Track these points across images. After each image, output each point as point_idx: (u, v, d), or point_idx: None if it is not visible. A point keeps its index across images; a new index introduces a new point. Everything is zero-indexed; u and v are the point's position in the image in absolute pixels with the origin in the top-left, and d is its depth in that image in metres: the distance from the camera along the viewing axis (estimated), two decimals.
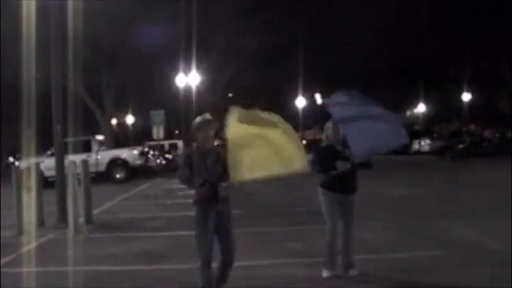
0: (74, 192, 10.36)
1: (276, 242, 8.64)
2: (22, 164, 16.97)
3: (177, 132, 44.84)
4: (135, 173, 23.16)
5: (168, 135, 37.17)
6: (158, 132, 27.31)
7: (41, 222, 10.99)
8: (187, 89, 29.64)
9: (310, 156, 6.15)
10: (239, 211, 8.84)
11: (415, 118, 52.96)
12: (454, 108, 48.27)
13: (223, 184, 5.22)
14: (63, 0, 13.03)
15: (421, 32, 32.37)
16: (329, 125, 6.52)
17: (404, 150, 36.26)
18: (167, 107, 29.77)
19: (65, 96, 14.52)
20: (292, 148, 5.25)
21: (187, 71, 28.81)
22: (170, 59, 27.59)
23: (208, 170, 5.19)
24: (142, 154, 24.02)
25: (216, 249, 5.42)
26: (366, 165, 6.52)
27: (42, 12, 11.96)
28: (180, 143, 32.22)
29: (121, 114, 43.19)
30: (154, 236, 9.67)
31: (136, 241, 9.22)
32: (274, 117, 5.38)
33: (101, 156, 22.65)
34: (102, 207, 13.80)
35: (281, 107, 49.82)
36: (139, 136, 37.98)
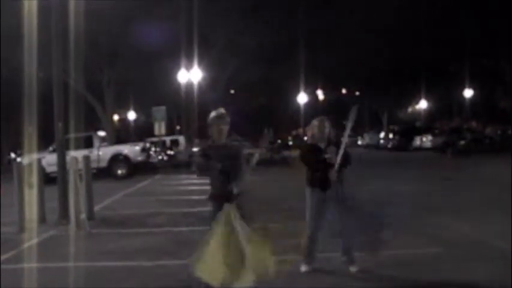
0: (76, 188, 10.38)
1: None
2: (24, 160, 17.01)
3: (178, 128, 44.91)
4: (137, 169, 23.18)
5: (170, 131, 37.21)
6: (160, 128, 27.38)
7: (42, 219, 11.02)
8: (189, 85, 29.66)
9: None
10: None
11: (417, 114, 52.94)
12: (456, 105, 48.28)
13: (237, 179, 5.23)
14: None
15: (422, 31, 32.33)
16: (315, 122, 6.55)
17: (406, 146, 36.42)
18: (169, 103, 29.83)
19: (67, 93, 14.49)
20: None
21: (189, 67, 28.83)
22: (171, 56, 27.59)
23: (222, 165, 5.20)
24: (144, 150, 24.05)
25: None
26: (343, 164, 6.46)
27: (44, 10, 11.97)
28: (181, 139, 32.25)
29: (123, 110, 43.24)
30: (155, 232, 9.69)
31: (137, 237, 9.25)
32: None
33: (103, 152, 22.67)
34: (103, 203, 13.82)
35: (282, 103, 50.17)
36: (140, 132, 38.00)
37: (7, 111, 29.47)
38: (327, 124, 6.50)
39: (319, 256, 6.64)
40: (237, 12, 27.27)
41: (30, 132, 16.48)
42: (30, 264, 7.49)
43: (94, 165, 17.78)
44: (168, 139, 31.43)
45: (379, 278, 6.30)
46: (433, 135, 36.55)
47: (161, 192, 16.32)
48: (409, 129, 40.17)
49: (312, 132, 6.59)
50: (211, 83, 33.47)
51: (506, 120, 37.50)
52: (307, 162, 6.50)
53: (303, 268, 6.51)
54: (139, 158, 23.39)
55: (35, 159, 12.67)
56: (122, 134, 34.59)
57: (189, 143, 29.12)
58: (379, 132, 44.90)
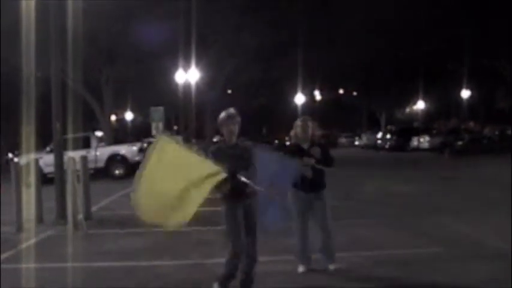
0: (73, 189, 10.36)
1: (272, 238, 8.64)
2: (21, 160, 16.97)
3: (175, 128, 44.87)
4: (134, 169, 22.96)
5: (167, 131, 37.15)
6: (157, 128, 27.31)
7: (40, 219, 10.99)
8: (187, 86, 29.61)
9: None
10: None
11: (415, 115, 52.98)
12: (453, 105, 48.30)
13: (248, 178, 5.19)
14: None
15: (421, 31, 32.33)
16: (298, 122, 6.53)
17: (403, 147, 36.44)
18: (166, 103, 29.75)
19: (64, 93, 14.47)
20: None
21: (186, 67, 28.78)
22: (169, 56, 27.54)
23: (234, 164, 5.16)
24: (142, 150, 23.98)
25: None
26: (325, 162, 6.44)
27: (42, 9, 11.94)
28: (179, 139, 32.15)
29: (120, 110, 43.20)
30: (153, 232, 9.64)
31: (135, 237, 9.22)
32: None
33: (100, 153, 22.63)
34: (101, 203, 13.80)
35: (280, 103, 50.16)
36: (138, 132, 37.95)
37: (6, 111, 29.41)
38: (310, 124, 6.46)
39: (318, 256, 6.63)
40: (235, 11, 27.23)
41: (28, 132, 16.43)
42: (29, 264, 7.47)
43: (91, 165, 17.73)
44: None
45: (379, 278, 6.28)
46: (431, 135, 36.58)
47: None
48: (406, 130, 40.16)
49: (295, 132, 6.55)
50: (209, 83, 33.43)
51: (504, 120, 37.54)
52: None
53: (300, 269, 6.50)
54: (137, 158, 23.29)
55: (32, 159, 12.62)
56: (119, 134, 34.55)
57: (187, 143, 29.08)
58: (376, 132, 44.92)
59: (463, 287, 5.94)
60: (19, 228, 10.18)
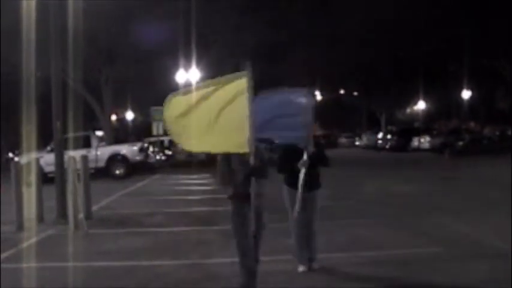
0: (74, 188, 10.37)
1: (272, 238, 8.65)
2: (22, 159, 16.97)
3: None
4: (135, 169, 23.15)
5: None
6: (158, 128, 27.33)
7: (40, 218, 11.00)
8: (187, 85, 29.57)
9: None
10: None
11: (415, 115, 52.95)
12: (454, 106, 48.27)
13: (258, 179, 5.22)
14: None
15: (421, 31, 32.33)
16: None
17: (404, 147, 36.43)
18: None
19: (65, 92, 14.47)
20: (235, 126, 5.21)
21: (187, 67, 28.78)
22: (170, 55, 27.55)
23: (244, 166, 5.20)
24: (142, 150, 24.02)
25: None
26: (320, 160, 6.48)
27: (42, 9, 11.95)
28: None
29: (121, 110, 43.16)
30: (153, 232, 9.68)
31: (135, 237, 9.23)
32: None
33: (101, 152, 22.64)
34: (101, 203, 13.80)
35: None
36: (139, 132, 37.93)
37: (6, 110, 29.42)
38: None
39: (318, 257, 6.64)
40: (235, 13, 27.23)
41: (28, 131, 16.43)
42: (29, 264, 7.47)
43: (92, 165, 17.73)
44: (166, 139, 31.36)
45: (379, 278, 6.29)
46: (431, 136, 36.54)
47: (159, 192, 16.29)
48: (407, 130, 40.15)
49: None
50: None
51: (505, 120, 37.51)
52: (285, 161, 6.49)
53: (300, 268, 6.51)
54: (138, 158, 23.36)
55: (33, 158, 12.63)
56: (120, 133, 34.54)
57: None
58: (377, 132, 44.90)
59: (463, 287, 5.94)
60: (19, 227, 10.19)
